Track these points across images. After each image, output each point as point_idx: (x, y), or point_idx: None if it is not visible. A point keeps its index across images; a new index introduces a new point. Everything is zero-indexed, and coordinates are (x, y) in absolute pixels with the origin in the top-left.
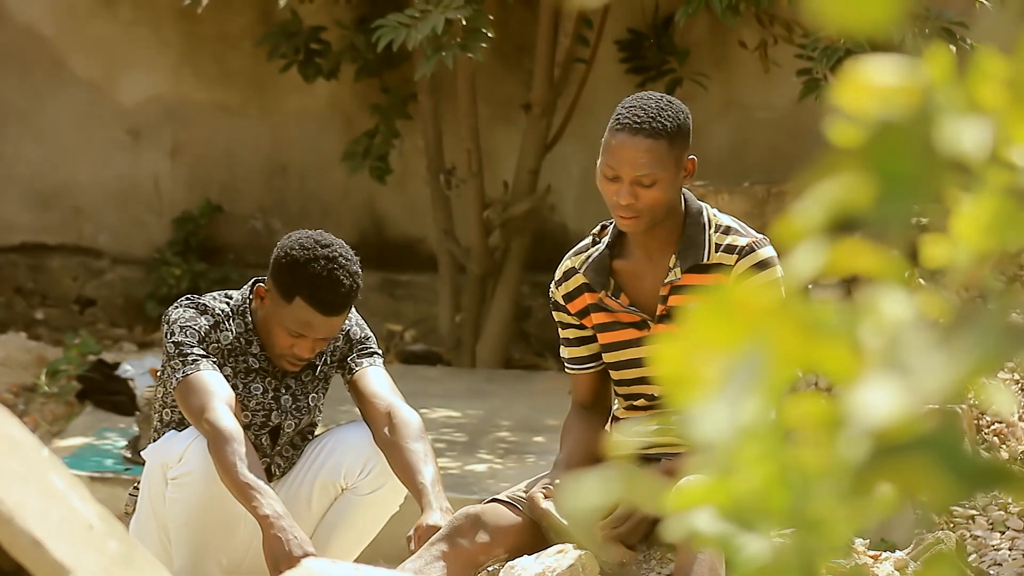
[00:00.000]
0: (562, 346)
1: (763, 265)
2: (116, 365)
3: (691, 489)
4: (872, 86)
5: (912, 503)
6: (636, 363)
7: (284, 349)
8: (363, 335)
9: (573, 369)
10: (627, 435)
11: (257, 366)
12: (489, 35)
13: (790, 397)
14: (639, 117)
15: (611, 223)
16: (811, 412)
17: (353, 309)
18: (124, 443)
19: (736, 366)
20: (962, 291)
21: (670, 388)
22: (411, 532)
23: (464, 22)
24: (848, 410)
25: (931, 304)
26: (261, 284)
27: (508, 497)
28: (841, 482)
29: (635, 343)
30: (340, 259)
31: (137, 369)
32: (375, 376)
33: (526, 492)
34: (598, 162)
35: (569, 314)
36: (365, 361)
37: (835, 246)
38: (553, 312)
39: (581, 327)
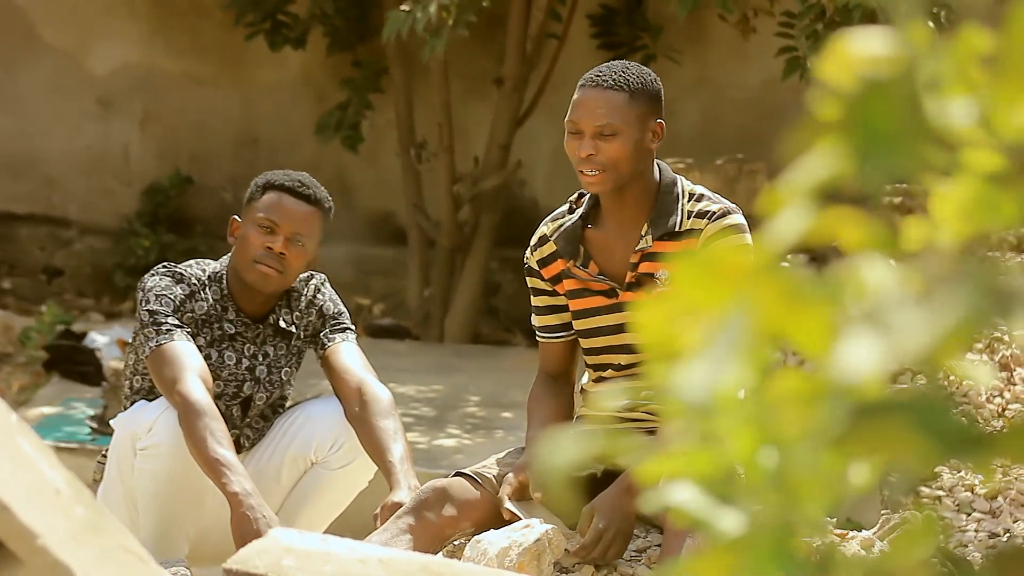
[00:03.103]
0: (533, 314)
1: (732, 230)
2: (83, 335)
3: (667, 460)
4: (856, 57)
5: (879, 484)
6: (604, 331)
7: (257, 250)
8: (336, 310)
9: (543, 337)
10: (600, 405)
11: (233, 331)
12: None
13: (771, 370)
14: (602, 73)
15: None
16: (791, 382)
17: (327, 285)
18: (91, 413)
19: (718, 329)
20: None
21: (650, 353)
22: (378, 509)
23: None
24: (828, 372)
25: (911, 273)
26: (235, 217)
27: (473, 473)
28: (821, 445)
29: (604, 311)
30: (307, 176)
31: (104, 339)
32: (347, 352)
33: (497, 470)
34: (565, 125)
35: (543, 279)
36: (338, 337)
37: (818, 213)
38: (527, 278)
39: (553, 294)
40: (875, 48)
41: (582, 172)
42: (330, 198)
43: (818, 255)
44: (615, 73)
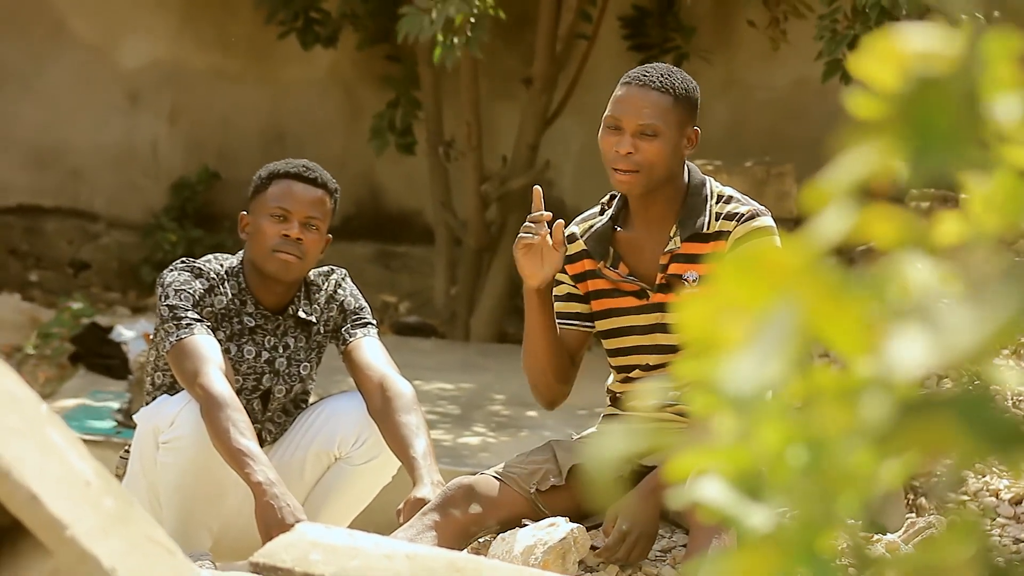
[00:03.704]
0: (554, 300)
1: (761, 232)
2: (110, 329)
3: (700, 456)
4: (903, 54)
5: (906, 487)
6: (634, 331)
7: (273, 239)
8: (357, 305)
9: (557, 323)
10: (629, 405)
11: (253, 324)
12: (485, 36)
13: (813, 367)
14: (649, 73)
15: (619, 193)
16: (833, 379)
17: (348, 280)
18: (116, 407)
19: (763, 326)
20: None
21: (691, 349)
22: (401, 505)
23: (472, 20)
24: (870, 369)
25: (952, 272)
26: (244, 212)
27: (498, 474)
28: (865, 442)
29: (633, 311)
30: (309, 161)
31: (130, 333)
32: (369, 347)
33: (522, 468)
34: (603, 119)
35: (566, 275)
36: (359, 332)
37: (860, 211)
38: None
39: (574, 287)
40: (922, 44)
41: (615, 170)
42: (334, 179)
43: (848, 256)
44: (661, 75)
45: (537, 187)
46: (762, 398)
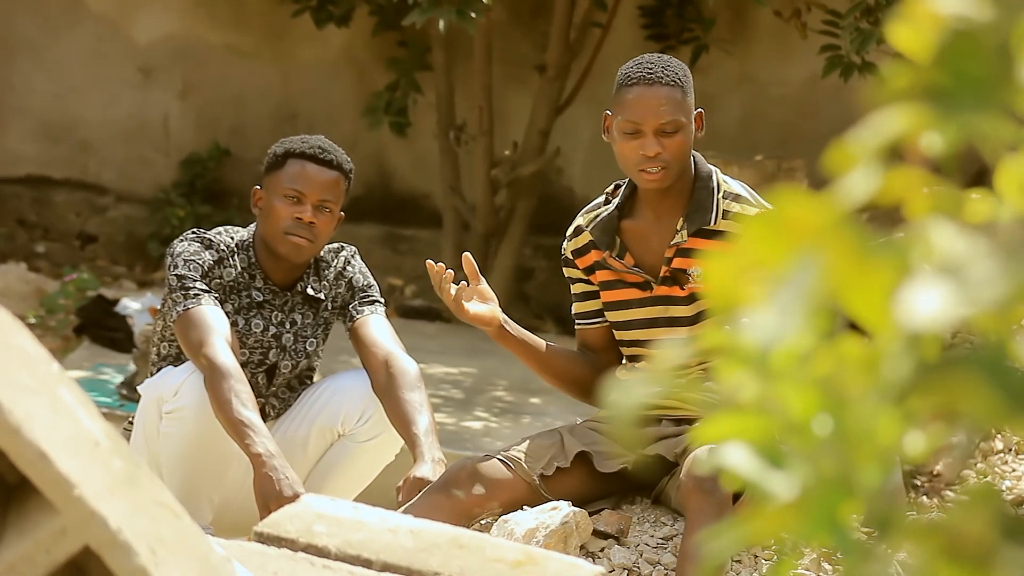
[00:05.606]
0: (573, 302)
1: None
2: (115, 301)
3: (722, 422)
4: (937, 15)
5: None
6: (637, 324)
7: (286, 221)
8: (366, 283)
9: (580, 324)
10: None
11: (261, 299)
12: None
13: (834, 328)
14: (650, 70)
15: (624, 183)
16: (854, 341)
17: (357, 257)
18: (120, 379)
19: (785, 282)
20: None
21: (717, 304)
22: (400, 483)
23: None
24: (894, 324)
25: (979, 238)
26: (257, 187)
27: (504, 457)
28: (886, 401)
29: (637, 303)
30: (325, 140)
31: (136, 306)
32: (376, 324)
33: (526, 452)
34: (611, 124)
35: (578, 269)
36: (366, 309)
37: (888, 173)
38: (564, 268)
39: (589, 283)
40: (955, 7)
41: (644, 171)
42: (349, 159)
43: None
44: (663, 68)
45: (429, 262)
46: (781, 355)
